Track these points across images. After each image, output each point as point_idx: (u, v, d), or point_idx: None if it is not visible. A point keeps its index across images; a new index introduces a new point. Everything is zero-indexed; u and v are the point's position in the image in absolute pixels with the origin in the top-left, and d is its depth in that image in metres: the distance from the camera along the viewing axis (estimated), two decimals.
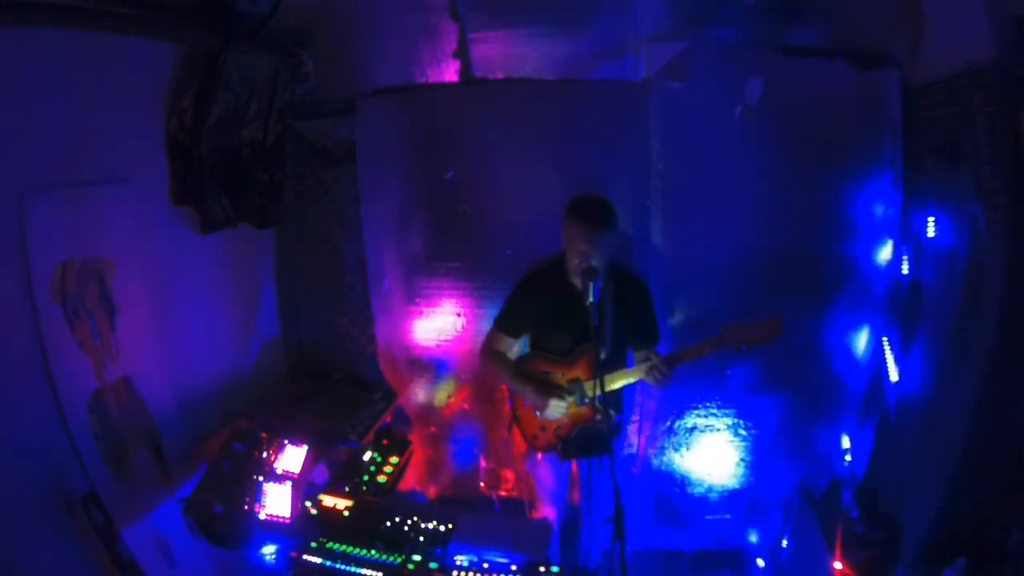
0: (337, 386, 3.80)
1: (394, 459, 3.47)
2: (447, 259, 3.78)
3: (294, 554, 2.66)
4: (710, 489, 3.87)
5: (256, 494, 2.81)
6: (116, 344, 2.72)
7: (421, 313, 3.86)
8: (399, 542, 2.69)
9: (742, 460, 3.81)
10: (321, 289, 3.88)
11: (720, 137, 3.41)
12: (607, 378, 2.80)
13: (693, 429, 3.78)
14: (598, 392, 2.60)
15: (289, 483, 2.82)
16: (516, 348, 3.23)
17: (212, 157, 3.05)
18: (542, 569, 2.56)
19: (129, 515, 2.61)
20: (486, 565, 2.58)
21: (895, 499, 3.15)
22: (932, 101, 3.04)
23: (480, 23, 3.51)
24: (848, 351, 3.63)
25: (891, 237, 3.45)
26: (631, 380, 2.96)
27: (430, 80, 3.63)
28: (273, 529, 2.77)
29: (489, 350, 3.15)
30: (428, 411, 3.99)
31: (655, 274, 3.52)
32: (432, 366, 3.92)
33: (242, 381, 3.55)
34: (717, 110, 3.40)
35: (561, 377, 3.03)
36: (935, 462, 2.86)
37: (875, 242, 3.49)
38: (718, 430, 3.77)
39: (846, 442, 3.65)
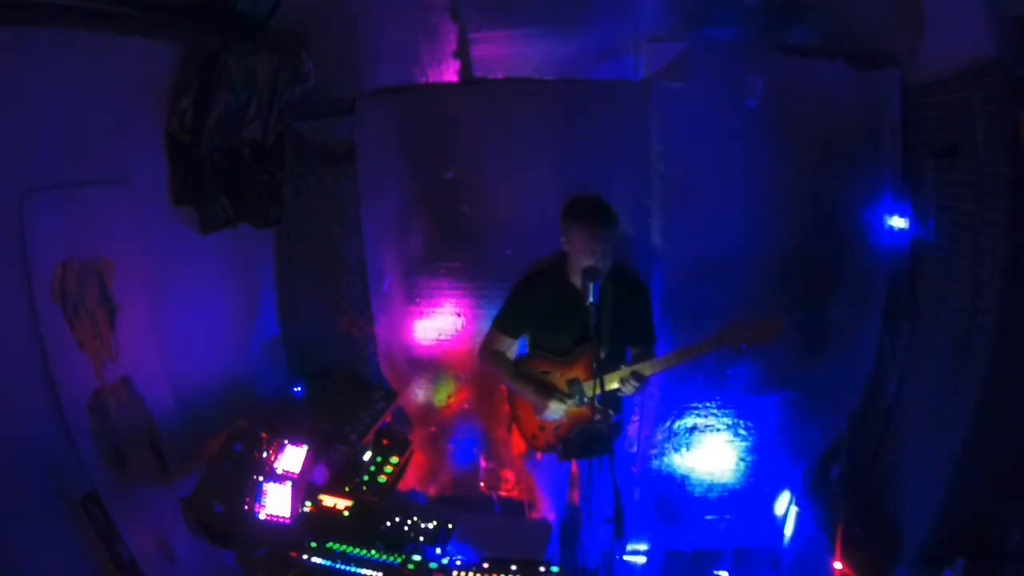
0: (337, 386, 3.80)
1: (394, 459, 3.46)
2: (447, 259, 3.78)
3: (294, 554, 2.66)
4: (710, 489, 3.87)
5: (256, 494, 2.81)
6: (116, 344, 2.72)
7: (421, 313, 3.86)
8: (399, 542, 2.69)
9: (742, 460, 3.81)
10: (321, 289, 3.88)
11: (720, 137, 3.41)
12: (605, 378, 2.80)
13: (693, 429, 3.78)
14: (597, 392, 2.61)
15: (289, 483, 2.82)
16: (516, 348, 3.24)
17: (212, 157, 3.05)
18: (542, 569, 2.55)
19: (129, 515, 2.61)
20: (486, 565, 2.58)
21: (895, 499, 3.15)
22: (932, 101, 3.04)
23: (480, 23, 3.51)
24: (848, 351, 3.62)
25: (891, 238, 3.45)
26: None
27: (430, 80, 3.63)
28: (273, 529, 2.78)
29: (488, 350, 3.15)
30: (428, 411, 3.99)
31: (655, 274, 3.53)
32: (432, 366, 3.92)
33: (242, 381, 3.55)
34: (717, 110, 3.40)
35: (560, 377, 3.03)
36: (935, 462, 2.86)
37: (875, 242, 3.49)
38: (718, 430, 3.77)
39: (846, 442, 3.65)
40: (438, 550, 2.65)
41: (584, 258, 2.80)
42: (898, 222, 3.40)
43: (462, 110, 3.61)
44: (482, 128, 3.59)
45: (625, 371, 2.88)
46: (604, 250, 2.78)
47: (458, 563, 2.59)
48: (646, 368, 2.90)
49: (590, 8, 3.42)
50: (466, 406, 3.95)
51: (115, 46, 2.51)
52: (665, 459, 3.83)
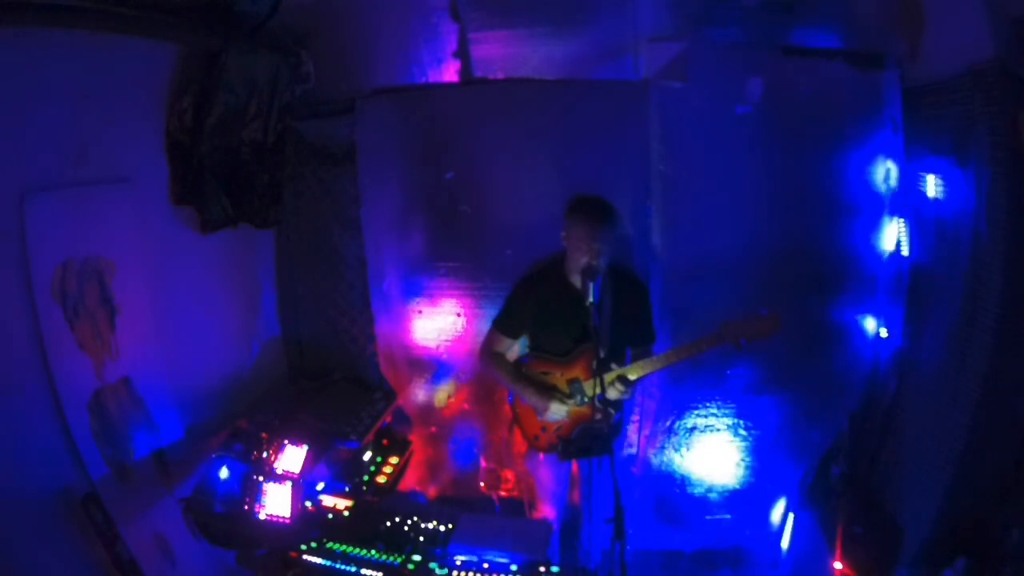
0: (337, 386, 3.79)
1: (394, 459, 3.47)
2: (447, 259, 3.78)
3: (294, 554, 2.66)
4: (710, 489, 3.87)
5: (256, 494, 2.81)
6: (116, 344, 2.72)
7: (421, 313, 3.86)
8: (399, 542, 2.69)
9: (742, 460, 3.81)
10: (321, 289, 3.88)
11: (720, 137, 3.41)
12: (604, 377, 2.80)
13: (693, 429, 3.78)
14: (597, 391, 2.61)
15: (289, 483, 2.82)
16: (516, 348, 3.23)
17: (212, 157, 3.05)
18: (542, 569, 2.56)
19: (129, 515, 2.61)
20: (486, 565, 2.58)
21: (895, 499, 3.15)
22: (932, 101, 3.03)
23: (480, 23, 3.51)
24: (849, 350, 3.62)
25: (891, 237, 3.45)
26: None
27: (430, 80, 3.64)
28: (273, 529, 2.78)
29: (488, 351, 3.15)
30: (428, 411, 3.99)
31: (655, 274, 3.53)
32: (432, 366, 3.92)
33: (242, 381, 3.55)
34: (717, 110, 3.40)
35: (560, 377, 3.03)
36: (935, 462, 2.86)
37: (875, 242, 3.49)
38: (718, 430, 3.77)
39: (846, 442, 3.64)
40: (438, 550, 2.65)
41: (581, 255, 2.82)
42: (897, 222, 3.40)
43: (462, 110, 3.60)
44: (482, 128, 3.58)
45: (611, 375, 2.89)
46: (601, 248, 2.79)
47: (458, 563, 2.59)
48: (637, 370, 2.90)
49: (590, 8, 3.42)
50: (466, 406, 3.95)
51: (115, 46, 2.51)
52: (665, 459, 3.83)
